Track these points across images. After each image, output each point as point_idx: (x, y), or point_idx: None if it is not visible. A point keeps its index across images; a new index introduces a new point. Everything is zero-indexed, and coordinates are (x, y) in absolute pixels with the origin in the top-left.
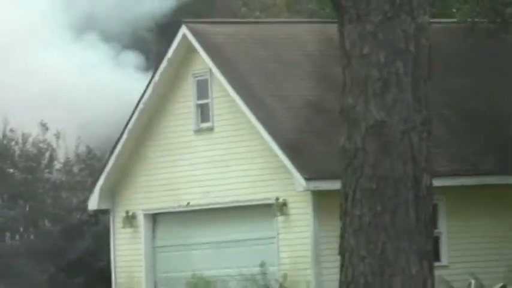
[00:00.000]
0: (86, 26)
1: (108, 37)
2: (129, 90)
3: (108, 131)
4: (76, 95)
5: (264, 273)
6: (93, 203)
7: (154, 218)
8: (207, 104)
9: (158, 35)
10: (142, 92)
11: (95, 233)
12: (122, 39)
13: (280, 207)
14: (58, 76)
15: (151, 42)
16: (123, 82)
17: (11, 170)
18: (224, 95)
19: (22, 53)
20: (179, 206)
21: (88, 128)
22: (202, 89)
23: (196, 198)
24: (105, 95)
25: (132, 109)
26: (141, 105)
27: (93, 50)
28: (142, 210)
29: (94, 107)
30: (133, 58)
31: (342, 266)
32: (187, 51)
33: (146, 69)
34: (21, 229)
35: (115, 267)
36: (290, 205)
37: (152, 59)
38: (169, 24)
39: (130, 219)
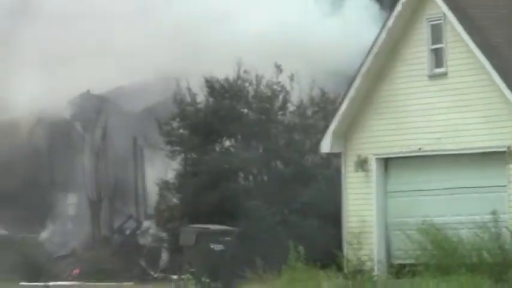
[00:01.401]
0: None
1: None
2: (362, 33)
3: (341, 74)
4: (311, 38)
5: (495, 221)
6: (325, 146)
7: (386, 163)
8: (440, 49)
9: None
10: (376, 35)
11: (327, 176)
12: None
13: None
14: (293, 18)
15: None
16: (357, 25)
17: (245, 111)
18: (458, 39)
19: None
20: (411, 151)
21: (322, 71)
22: (436, 34)
23: (428, 144)
24: (340, 37)
25: (365, 53)
26: (375, 49)
27: None
28: (374, 154)
29: (328, 49)
30: (367, 2)
31: None
32: None
33: (380, 13)
34: (255, 170)
35: (346, 210)
36: None
37: (387, 2)
38: None
39: (362, 163)
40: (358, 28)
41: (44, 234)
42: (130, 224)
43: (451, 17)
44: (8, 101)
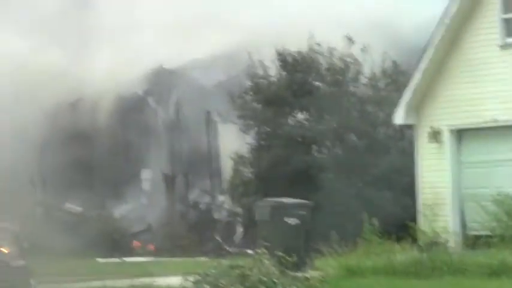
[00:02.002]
0: None
1: None
2: (433, 5)
3: (414, 46)
4: (382, 11)
5: None
6: (398, 118)
7: (459, 134)
8: None
9: None
10: (446, 6)
11: (401, 147)
12: None
13: None
14: None
15: None
16: None
17: (318, 84)
18: None
19: None
20: (484, 122)
21: (394, 43)
22: (508, 3)
23: (501, 115)
24: (410, 10)
25: (434, 23)
26: (446, 20)
27: None
28: (447, 125)
29: (398, 22)
30: None
31: None
32: None
33: None
34: (328, 143)
35: (420, 182)
36: None
37: None
38: None
39: (435, 135)
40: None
41: (119, 210)
42: (205, 199)
43: None
44: (82, 76)
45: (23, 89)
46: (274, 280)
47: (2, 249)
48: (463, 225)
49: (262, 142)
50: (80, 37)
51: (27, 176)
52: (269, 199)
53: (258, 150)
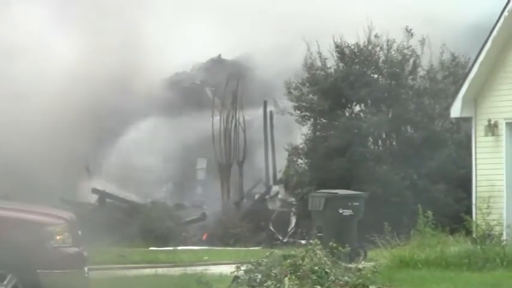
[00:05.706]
0: None
1: None
2: None
3: (472, 38)
4: (441, 3)
5: None
6: (455, 111)
7: None
8: None
9: None
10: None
11: (457, 140)
12: None
13: None
14: None
15: None
16: None
17: (375, 76)
18: None
19: None
20: None
21: (453, 35)
22: None
23: None
24: (470, 2)
25: (494, 15)
26: (505, 13)
27: None
28: (505, 118)
29: (458, 14)
30: None
31: None
32: None
33: None
34: (384, 135)
35: (476, 175)
36: None
37: None
38: None
39: (492, 128)
40: None
41: (173, 199)
42: (260, 189)
43: None
44: (140, 64)
45: (81, 82)
46: (327, 270)
47: (57, 236)
48: None
49: (318, 133)
50: (142, 25)
51: (82, 163)
52: (323, 190)
53: (313, 141)
